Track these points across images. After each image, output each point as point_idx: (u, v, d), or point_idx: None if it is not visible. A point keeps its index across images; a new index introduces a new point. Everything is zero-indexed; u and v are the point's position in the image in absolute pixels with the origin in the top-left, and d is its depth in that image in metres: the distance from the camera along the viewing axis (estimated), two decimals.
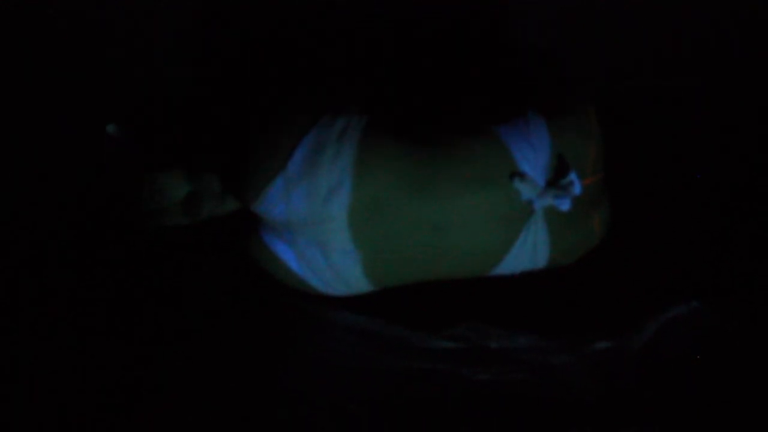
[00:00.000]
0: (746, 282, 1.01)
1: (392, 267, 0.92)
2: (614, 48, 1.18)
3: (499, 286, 0.98)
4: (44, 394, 0.95)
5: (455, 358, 0.94)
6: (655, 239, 1.04)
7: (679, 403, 0.92)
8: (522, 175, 0.89)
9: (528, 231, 0.91)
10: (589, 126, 0.93)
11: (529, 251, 0.92)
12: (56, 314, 1.01)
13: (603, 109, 0.95)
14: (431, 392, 0.93)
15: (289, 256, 0.93)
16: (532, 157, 0.90)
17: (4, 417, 0.94)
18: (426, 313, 0.97)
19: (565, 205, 0.89)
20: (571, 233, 0.93)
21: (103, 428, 0.93)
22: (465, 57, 1.11)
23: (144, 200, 0.96)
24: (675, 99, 1.17)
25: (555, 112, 0.92)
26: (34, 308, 1.02)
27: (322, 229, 0.90)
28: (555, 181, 0.90)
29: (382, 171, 0.88)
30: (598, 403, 0.92)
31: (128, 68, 1.14)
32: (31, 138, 1.12)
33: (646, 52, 1.19)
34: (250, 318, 0.99)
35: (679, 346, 0.95)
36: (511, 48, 1.16)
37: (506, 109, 0.93)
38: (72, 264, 1.05)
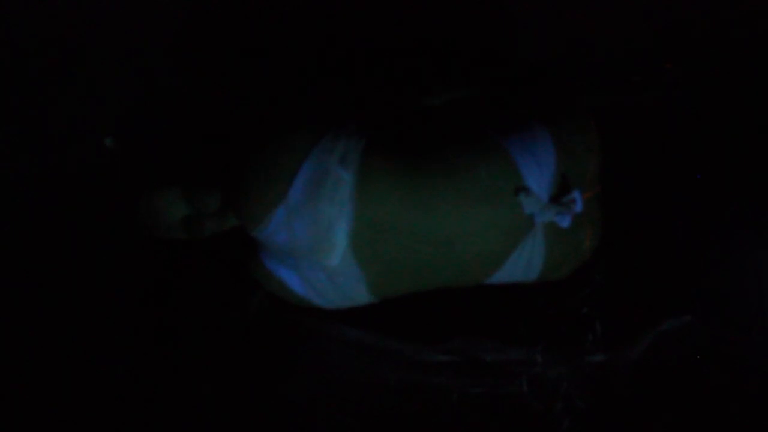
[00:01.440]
0: (739, 295, 1.01)
1: (395, 281, 0.93)
2: (611, 58, 1.18)
3: (495, 299, 0.98)
4: (43, 397, 0.96)
5: (450, 371, 0.95)
6: (649, 253, 1.04)
7: (673, 415, 0.92)
8: (527, 190, 0.88)
9: (525, 244, 0.91)
10: (592, 140, 0.93)
11: (523, 263, 0.92)
12: (71, 332, 1.02)
13: (599, 119, 0.95)
14: (426, 405, 0.93)
15: (292, 280, 0.94)
16: (537, 172, 0.89)
17: (4, 417, 0.95)
18: (421, 326, 0.97)
19: (565, 222, 0.89)
20: (563, 247, 0.93)
21: None
22: (467, 67, 1.10)
23: (141, 217, 0.96)
24: (670, 110, 1.17)
25: (559, 126, 0.91)
26: (35, 313, 1.03)
27: (326, 255, 0.90)
28: (558, 197, 0.90)
29: (383, 195, 0.87)
30: (592, 415, 0.92)
31: (127, 82, 1.14)
32: (31, 145, 1.13)
33: (644, 60, 1.19)
34: (249, 331, 0.99)
35: (673, 359, 0.96)
36: (510, 58, 1.16)
37: (510, 119, 0.92)
38: (80, 273, 1.06)
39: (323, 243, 0.88)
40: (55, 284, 1.04)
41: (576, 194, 0.88)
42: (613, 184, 0.98)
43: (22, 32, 1.11)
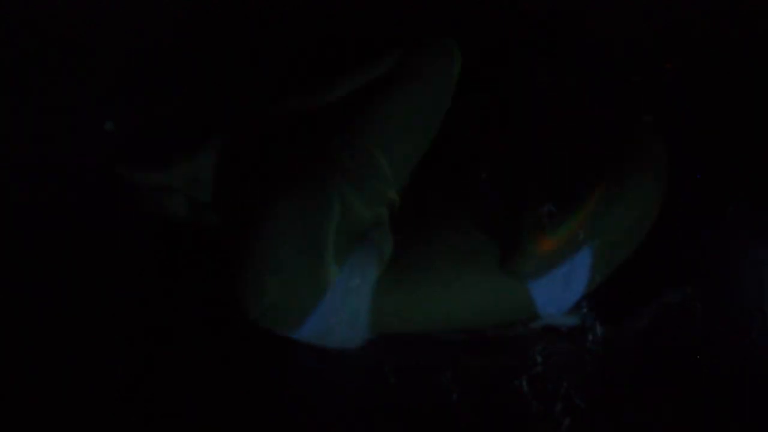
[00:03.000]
0: (739, 295, 1.01)
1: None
2: (611, 58, 1.18)
3: None
4: (42, 397, 0.96)
5: (452, 345, 0.95)
6: (649, 253, 1.03)
7: (675, 389, 0.93)
8: (539, 317, 0.92)
9: None
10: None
11: None
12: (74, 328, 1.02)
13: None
14: (427, 378, 0.94)
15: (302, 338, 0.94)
16: (554, 311, 0.92)
17: (4, 417, 0.95)
18: None
19: (572, 322, 0.93)
20: None
21: None
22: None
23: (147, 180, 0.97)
24: (670, 110, 1.17)
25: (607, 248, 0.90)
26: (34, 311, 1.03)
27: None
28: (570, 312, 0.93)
29: (397, 321, 0.89)
30: (593, 389, 0.92)
31: (128, 80, 1.14)
32: (31, 138, 1.13)
33: (644, 60, 1.19)
34: (247, 329, 0.99)
35: (674, 332, 0.96)
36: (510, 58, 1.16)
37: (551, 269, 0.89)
38: (79, 272, 1.06)
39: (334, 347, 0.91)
40: (54, 283, 1.04)
41: (589, 319, 0.92)
42: None
43: (23, 32, 1.11)
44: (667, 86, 1.18)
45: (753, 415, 0.92)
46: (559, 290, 0.89)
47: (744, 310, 0.99)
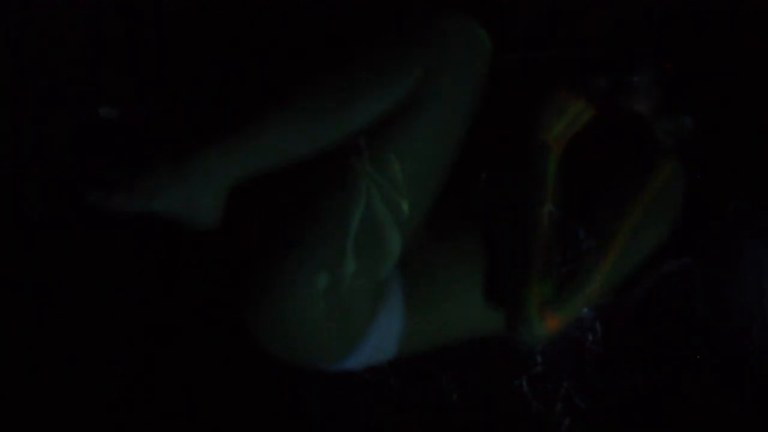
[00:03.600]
0: (739, 295, 1.01)
1: None
2: (611, 58, 1.18)
3: None
4: (42, 397, 0.96)
5: (451, 370, 0.95)
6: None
7: (675, 389, 0.93)
8: None
9: None
10: None
11: None
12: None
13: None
14: (427, 378, 0.95)
15: None
16: None
17: (4, 417, 0.95)
18: None
19: None
20: None
21: None
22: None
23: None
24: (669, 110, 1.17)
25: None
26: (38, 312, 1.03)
27: None
28: None
29: (419, 341, 0.88)
30: (593, 389, 0.93)
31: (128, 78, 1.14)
32: (31, 138, 1.13)
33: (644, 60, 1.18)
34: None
35: (674, 331, 0.96)
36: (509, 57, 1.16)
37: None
38: (80, 271, 1.06)
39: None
40: (54, 283, 1.04)
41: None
42: None
43: (23, 32, 1.11)
44: (667, 86, 1.19)
45: (753, 414, 0.92)
46: None
47: (744, 310, 0.99)
